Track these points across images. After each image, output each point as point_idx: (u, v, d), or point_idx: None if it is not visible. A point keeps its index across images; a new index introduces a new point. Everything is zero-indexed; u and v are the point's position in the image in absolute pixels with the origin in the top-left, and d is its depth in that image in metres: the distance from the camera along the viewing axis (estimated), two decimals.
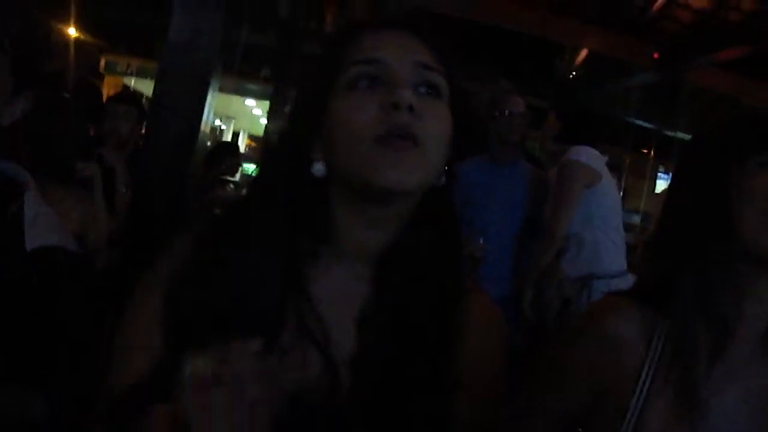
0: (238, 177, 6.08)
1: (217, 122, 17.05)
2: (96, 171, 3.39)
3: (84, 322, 1.10)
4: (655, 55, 8.76)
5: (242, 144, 18.10)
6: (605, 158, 4.05)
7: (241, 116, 18.16)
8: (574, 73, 9.76)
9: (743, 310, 1.25)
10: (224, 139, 15.90)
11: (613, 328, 1.29)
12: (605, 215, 3.93)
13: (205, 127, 3.40)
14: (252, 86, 13.94)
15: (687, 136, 11.62)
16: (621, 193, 8.01)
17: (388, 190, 1.08)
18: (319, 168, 1.14)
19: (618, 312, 1.31)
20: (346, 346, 1.12)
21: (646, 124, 14.04)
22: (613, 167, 7.81)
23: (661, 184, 14.96)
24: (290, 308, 1.11)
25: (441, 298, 1.16)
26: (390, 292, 1.15)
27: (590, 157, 3.90)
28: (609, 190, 3.99)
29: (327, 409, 1.07)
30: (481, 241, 3.81)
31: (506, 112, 4.09)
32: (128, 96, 4.17)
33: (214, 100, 3.43)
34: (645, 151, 15.28)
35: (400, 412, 1.08)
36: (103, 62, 11.27)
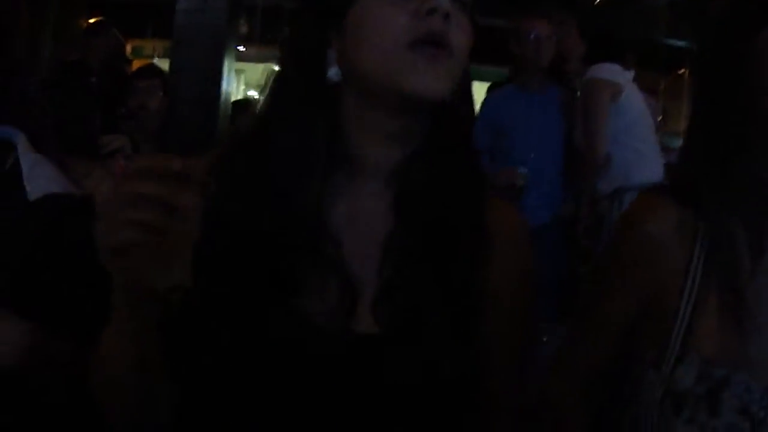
0: None
1: (251, 93, 17.10)
2: (124, 141, 3.40)
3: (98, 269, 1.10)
4: None
5: None
6: (629, 72, 4.00)
7: None
8: None
9: None
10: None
11: (651, 230, 1.25)
12: (629, 128, 3.88)
13: (231, 94, 3.38)
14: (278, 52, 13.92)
15: None
16: (660, 118, 7.91)
17: (420, 96, 1.05)
18: (336, 72, 1.11)
19: (655, 212, 1.26)
20: (369, 271, 1.10)
21: (678, 43, 13.76)
22: (650, 91, 7.69)
23: None
24: (305, 232, 1.08)
25: (466, 213, 1.14)
26: (413, 211, 1.12)
27: (609, 71, 3.86)
28: (632, 101, 3.93)
29: (345, 338, 1.06)
30: (521, 170, 3.80)
31: (531, 36, 4.02)
32: (148, 70, 4.16)
33: (233, 67, 3.41)
34: (680, 71, 15.00)
35: (429, 333, 1.06)
36: (129, 47, 11.30)
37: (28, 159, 1.35)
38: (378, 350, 1.06)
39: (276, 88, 1.18)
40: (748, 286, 1.17)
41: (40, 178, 1.34)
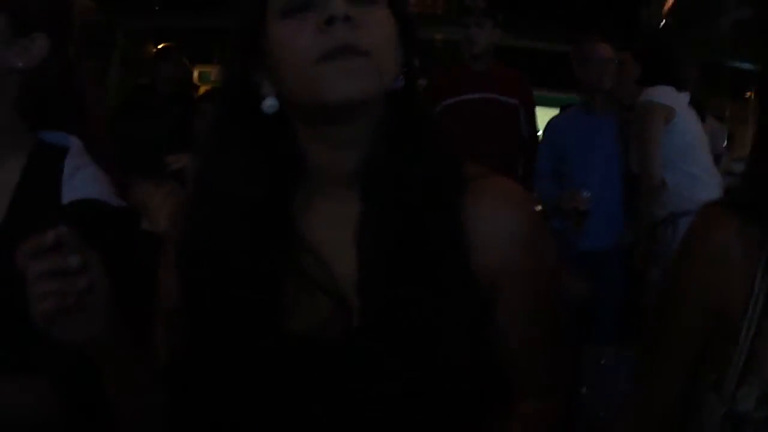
0: None
1: None
2: (187, 162, 3.44)
3: (129, 280, 1.13)
4: None
5: None
6: (685, 95, 3.94)
7: None
8: (663, 21, 9.52)
9: None
10: None
11: (714, 244, 1.20)
12: (684, 152, 3.83)
13: None
14: None
15: None
16: (725, 143, 7.78)
17: (340, 103, 1.04)
18: (270, 104, 1.11)
19: (718, 226, 1.21)
20: (352, 276, 1.11)
21: (744, 66, 13.54)
22: (716, 116, 7.57)
23: None
24: (286, 255, 1.11)
25: (436, 199, 1.12)
26: (379, 207, 1.12)
27: (662, 94, 3.82)
28: (687, 124, 3.88)
29: (344, 347, 1.08)
30: (585, 193, 3.79)
31: (594, 58, 4.02)
32: (215, 93, 4.26)
33: None
34: (746, 95, 14.76)
35: (421, 330, 1.07)
36: (196, 73, 11.50)
37: (72, 163, 1.35)
38: (377, 353, 1.07)
39: (215, 124, 1.21)
40: None
41: (78, 181, 1.32)
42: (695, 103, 4.05)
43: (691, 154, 3.85)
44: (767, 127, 1.27)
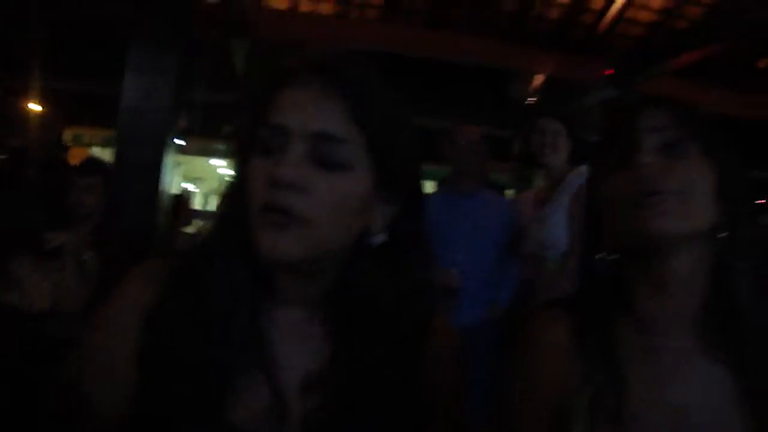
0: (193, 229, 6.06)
1: (186, 185, 17.04)
2: (66, 239, 3.39)
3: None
4: (609, 72, 8.88)
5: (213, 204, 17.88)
6: None
7: (210, 177, 18.10)
8: (532, 98, 9.85)
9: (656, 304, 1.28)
10: (194, 201, 15.77)
11: (551, 342, 1.31)
12: None
13: (171, 189, 3.42)
14: (217, 146, 13.92)
15: None
16: None
17: (268, 258, 1.08)
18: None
19: (553, 325, 1.33)
20: (298, 382, 1.14)
21: None
22: None
23: None
24: (246, 345, 1.12)
25: (399, 338, 1.16)
26: (340, 337, 1.15)
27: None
28: None
29: None
30: (454, 271, 3.85)
31: (461, 141, 4.12)
32: (90, 167, 4.16)
33: (175, 162, 3.45)
34: None
35: None
36: (69, 135, 11.28)
37: None
38: None
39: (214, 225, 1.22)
40: (632, 398, 1.23)
41: None
42: None
43: None
44: (586, 236, 1.37)
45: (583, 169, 3.90)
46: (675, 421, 1.23)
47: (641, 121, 1.25)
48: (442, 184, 4.36)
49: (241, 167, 1.16)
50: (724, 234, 1.26)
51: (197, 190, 18.46)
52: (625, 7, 8.79)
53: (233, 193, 1.18)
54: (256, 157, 1.11)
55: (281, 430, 1.10)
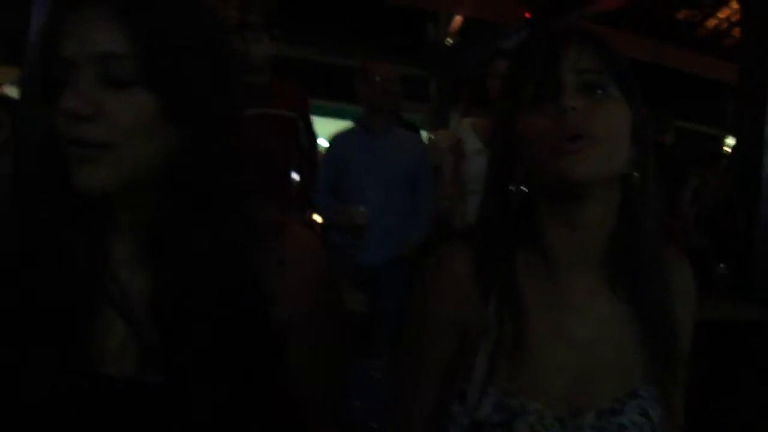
0: None
1: None
2: None
3: None
4: (527, 15, 8.90)
5: None
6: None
7: None
8: (449, 40, 9.86)
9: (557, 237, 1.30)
10: None
11: (456, 272, 1.32)
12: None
13: None
14: None
15: None
16: None
17: (82, 191, 1.07)
18: None
19: (458, 257, 1.33)
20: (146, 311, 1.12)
21: None
22: None
23: None
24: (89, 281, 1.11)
25: (227, 248, 1.14)
26: (170, 274, 1.12)
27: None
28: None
29: (134, 376, 1.08)
30: (362, 209, 3.89)
31: (376, 79, 4.12)
32: None
33: None
34: None
35: (217, 376, 1.09)
36: None
37: None
38: (166, 397, 1.07)
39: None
40: (534, 331, 1.26)
41: None
42: None
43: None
44: (494, 169, 1.37)
45: None
46: (578, 354, 1.27)
47: (564, 58, 1.24)
48: (356, 121, 4.36)
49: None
50: (635, 175, 1.28)
51: None
52: None
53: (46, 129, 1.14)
54: (56, 91, 1.07)
55: (141, 363, 1.09)
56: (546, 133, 1.20)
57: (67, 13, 1.08)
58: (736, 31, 8.92)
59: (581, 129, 1.17)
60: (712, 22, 9.67)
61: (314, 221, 4.26)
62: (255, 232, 1.19)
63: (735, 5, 8.66)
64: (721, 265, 4.05)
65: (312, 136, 4.02)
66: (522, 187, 1.30)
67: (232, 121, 1.19)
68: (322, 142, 4.49)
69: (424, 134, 5.99)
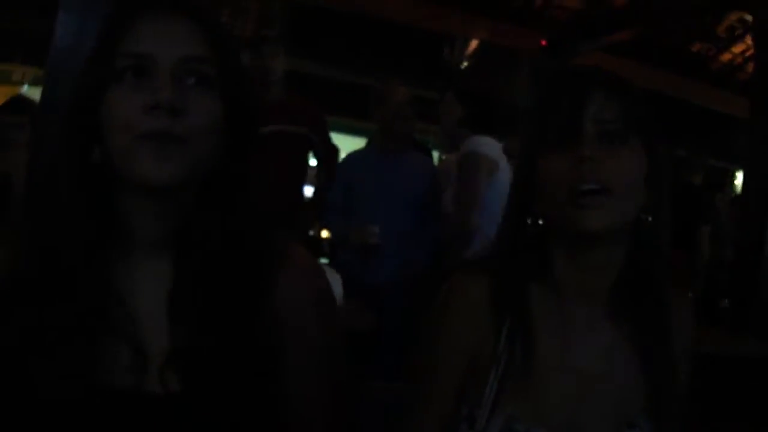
0: None
1: None
2: None
3: None
4: (543, 42, 8.92)
5: None
6: (502, 144, 4.06)
7: None
8: (465, 63, 9.86)
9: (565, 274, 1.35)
10: None
11: (470, 300, 1.36)
12: (503, 201, 3.87)
13: None
14: None
15: None
16: None
17: (146, 183, 1.08)
18: (98, 154, 1.13)
19: (472, 285, 1.38)
20: (162, 337, 1.13)
21: None
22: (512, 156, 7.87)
23: None
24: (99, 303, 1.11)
25: (244, 270, 1.17)
26: (188, 277, 1.14)
27: (486, 146, 3.92)
28: (504, 178, 3.91)
29: (137, 396, 1.10)
30: (374, 228, 3.91)
31: (391, 102, 4.13)
32: (18, 104, 4.07)
33: None
34: None
35: (223, 396, 1.10)
36: None
37: None
38: (174, 409, 1.09)
39: (44, 171, 1.21)
40: (543, 358, 1.31)
41: None
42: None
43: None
44: (514, 202, 1.41)
45: None
46: (581, 383, 1.31)
47: (588, 105, 1.27)
48: (369, 141, 4.38)
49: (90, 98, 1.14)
50: (647, 218, 1.32)
51: None
52: None
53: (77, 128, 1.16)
54: (121, 84, 1.10)
55: (143, 382, 1.10)
56: (563, 180, 1.24)
57: (138, 12, 1.13)
58: (750, 66, 8.95)
59: (597, 180, 1.21)
60: (726, 57, 9.70)
61: (322, 238, 4.27)
62: (266, 248, 1.22)
63: (750, 41, 8.69)
64: (725, 300, 4.05)
65: (329, 152, 4.03)
66: (538, 221, 1.35)
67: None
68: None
69: (436, 155, 6.01)
